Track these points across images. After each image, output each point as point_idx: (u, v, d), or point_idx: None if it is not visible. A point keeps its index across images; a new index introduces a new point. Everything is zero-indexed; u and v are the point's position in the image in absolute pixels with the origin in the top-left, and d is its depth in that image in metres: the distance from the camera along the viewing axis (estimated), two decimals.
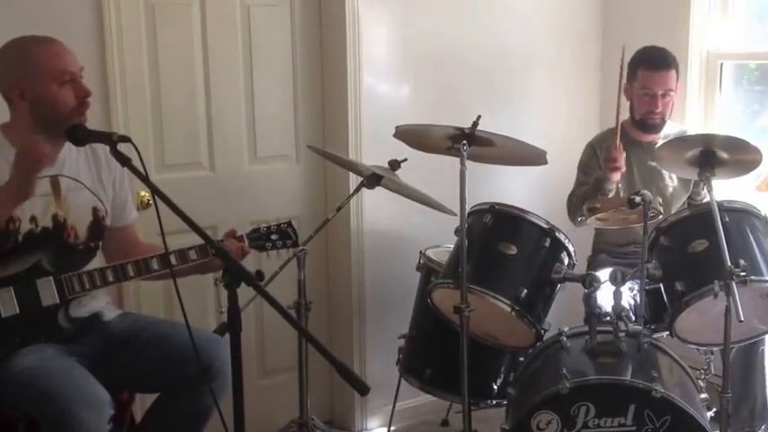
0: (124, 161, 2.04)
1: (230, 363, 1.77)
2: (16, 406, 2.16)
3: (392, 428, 3.26)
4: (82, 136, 2.19)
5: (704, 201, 3.17)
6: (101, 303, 2.41)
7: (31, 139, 2.17)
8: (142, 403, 2.71)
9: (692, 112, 3.57)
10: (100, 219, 2.39)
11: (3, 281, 2.17)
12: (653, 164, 3.09)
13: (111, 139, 2.09)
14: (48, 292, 2.21)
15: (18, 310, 2.17)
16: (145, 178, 1.97)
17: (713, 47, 3.55)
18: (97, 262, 2.37)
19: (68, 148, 2.31)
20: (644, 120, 3.14)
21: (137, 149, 2.06)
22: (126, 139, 2.12)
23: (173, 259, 2.30)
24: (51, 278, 2.21)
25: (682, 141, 2.80)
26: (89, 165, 2.38)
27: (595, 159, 3.19)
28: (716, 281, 2.39)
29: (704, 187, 2.60)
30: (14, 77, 2.19)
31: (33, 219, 2.24)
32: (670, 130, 3.20)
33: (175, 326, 2.02)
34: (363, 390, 1.71)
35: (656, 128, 3.14)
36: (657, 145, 3.11)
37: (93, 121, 2.32)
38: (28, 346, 2.17)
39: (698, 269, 2.53)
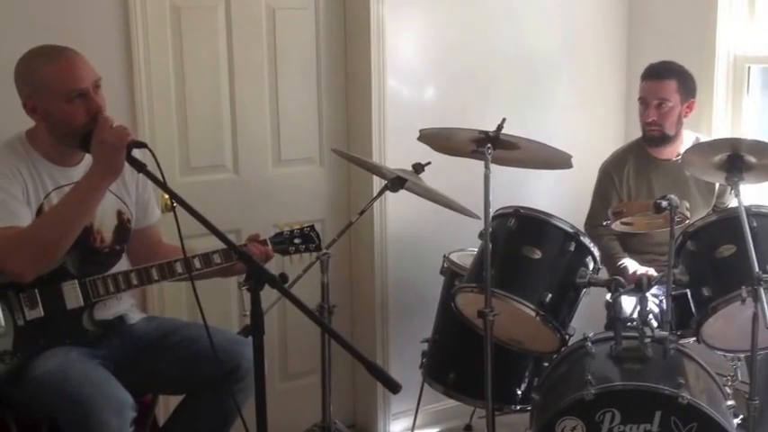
0: (140, 167, 2.05)
1: None
2: (40, 408, 2.18)
3: None
4: None
5: (729, 206, 3.14)
6: (125, 306, 2.43)
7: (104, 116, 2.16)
8: (165, 406, 2.73)
9: (719, 116, 3.53)
10: (125, 222, 2.40)
11: (28, 284, 2.18)
12: (675, 179, 3.07)
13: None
14: (72, 296, 2.22)
15: (43, 313, 2.19)
16: (162, 184, 1.98)
17: (740, 51, 3.50)
18: (122, 264, 2.39)
19: None
20: (644, 133, 3.11)
21: (153, 154, 2.07)
22: (141, 145, 2.12)
23: (197, 263, 2.31)
24: (76, 281, 2.22)
25: (709, 146, 2.77)
26: None
27: (612, 187, 3.16)
28: (743, 286, 2.37)
29: (731, 192, 2.57)
30: (27, 92, 2.20)
31: None
32: (687, 141, 3.15)
33: (200, 328, 2.03)
34: (395, 388, 1.70)
35: (654, 140, 3.09)
36: (673, 160, 3.09)
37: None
38: (52, 348, 2.19)
39: (725, 274, 2.50)
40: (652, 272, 2.88)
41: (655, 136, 3.07)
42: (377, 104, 3.24)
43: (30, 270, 2.14)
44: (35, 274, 2.15)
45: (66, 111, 2.17)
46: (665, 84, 3.02)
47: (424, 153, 2.79)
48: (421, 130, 2.72)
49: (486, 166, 2.49)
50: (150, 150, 2.10)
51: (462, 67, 3.41)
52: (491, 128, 2.53)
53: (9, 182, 2.16)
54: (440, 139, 2.75)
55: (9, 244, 2.10)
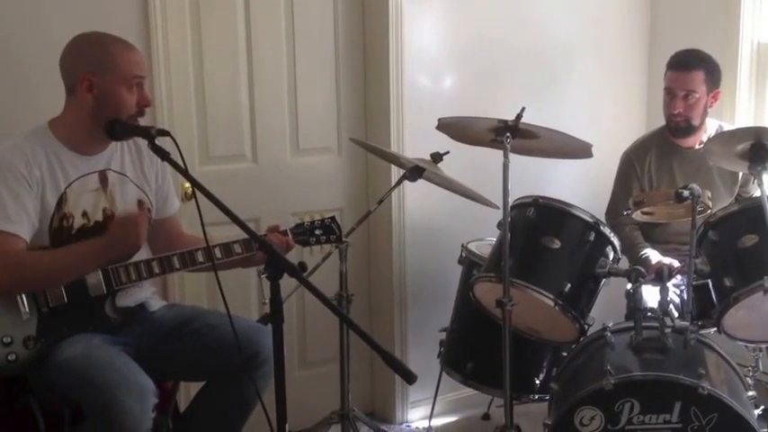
0: (163, 155, 2.06)
1: None
2: (63, 393, 2.19)
3: (433, 421, 3.26)
4: (120, 131, 2.21)
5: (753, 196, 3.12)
6: (146, 293, 2.44)
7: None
8: (186, 392, 2.75)
9: (742, 104, 3.49)
10: (145, 211, 2.41)
11: None
12: (698, 168, 3.04)
13: (149, 134, 2.11)
14: (95, 283, 2.23)
15: (66, 301, 2.21)
16: (184, 172, 1.99)
17: (764, 38, 3.46)
18: (143, 254, 2.40)
19: (114, 142, 2.34)
20: (668, 122, 3.08)
21: (176, 143, 2.08)
22: (165, 133, 2.14)
23: (217, 252, 2.32)
24: (99, 269, 2.24)
25: (732, 135, 2.75)
26: (133, 158, 2.40)
27: (633, 175, 3.14)
28: (766, 276, 2.36)
29: (754, 181, 2.54)
30: (87, 70, 2.21)
31: (85, 214, 2.28)
32: (710, 129, 3.12)
33: (221, 316, 2.05)
34: (410, 378, 1.71)
35: (680, 131, 3.05)
36: (696, 148, 3.06)
37: None
38: (75, 334, 2.21)
39: (747, 264, 2.48)
40: (675, 263, 2.86)
41: (681, 127, 3.04)
42: (395, 94, 3.24)
43: (8, 288, 2.15)
44: (7, 293, 2.16)
45: (124, 96, 2.22)
46: (693, 75, 2.97)
47: (443, 142, 2.78)
48: (439, 120, 2.71)
49: (505, 156, 2.48)
50: (173, 139, 2.11)
51: (481, 55, 3.40)
52: (510, 117, 2.52)
53: (18, 181, 2.16)
54: (458, 129, 2.75)
55: (3, 260, 2.12)
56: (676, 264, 2.85)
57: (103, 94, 2.22)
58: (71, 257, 2.18)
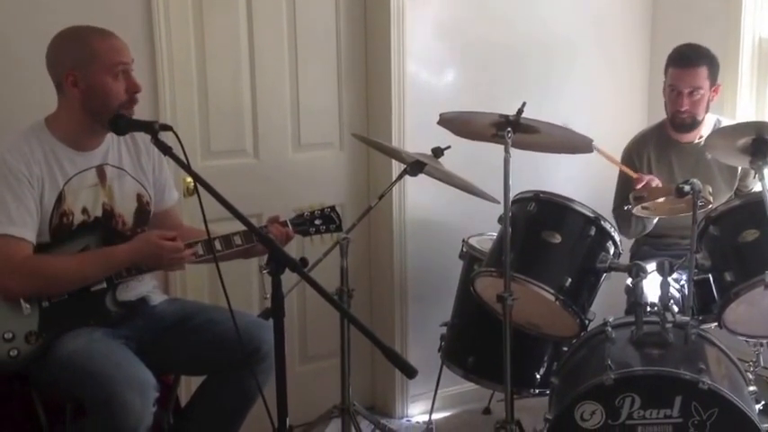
0: (165, 150, 2.06)
1: None
2: (64, 387, 2.20)
3: (433, 416, 3.26)
4: (124, 125, 2.21)
5: (752, 189, 3.12)
6: (147, 287, 2.45)
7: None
8: (187, 386, 2.76)
9: (743, 99, 3.49)
10: (144, 204, 2.42)
11: None
12: (697, 162, 3.04)
13: (152, 128, 2.10)
14: None
15: (67, 295, 2.22)
16: (186, 167, 1.99)
17: (766, 33, 3.46)
18: None
19: (110, 136, 2.34)
20: (673, 118, 3.08)
21: (178, 138, 2.08)
22: (168, 128, 2.13)
23: (218, 245, 2.32)
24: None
25: (733, 129, 2.75)
26: (130, 152, 2.41)
27: (632, 166, 3.14)
28: (767, 271, 2.35)
29: (755, 176, 2.54)
30: (69, 65, 2.21)
31: (85, 210, 2.28)
32: (708, 123, 3.12)
33: (222, 311, 2.05)
34: (411, 373, 1.71)
35: (685, 126, 3.06)
36: (695, 143, 3.06)
37: (141, 108, 2.34)
38: (76, 329, 2.21)
39: (748, 259, 2.48)
40: (657, 182, 2.84)
41: (687, 122, 3.05)
42: (396, 89, 3.24)
43: (20, 295, 2.17)
44: (23, 298, 2.18)
45: (110, 85, 2.21)
46: (698, 71, 2.98)
47: (444, 137, 2.78)
48: (441, 115, 2.71)
49: (506, 150, 2.48)
50: (176, 134, 2.11)
51: (483, 51, 3.39)
52: (511, 112, 2.51)
53: (20, 183, 2.17)
54: (460, 124, 2.75)
55: (12, 265, 2.13)
56: (657, 182, 2.84)
57: (89, 87, 2.21)
58: (97, 261, 2.23)
